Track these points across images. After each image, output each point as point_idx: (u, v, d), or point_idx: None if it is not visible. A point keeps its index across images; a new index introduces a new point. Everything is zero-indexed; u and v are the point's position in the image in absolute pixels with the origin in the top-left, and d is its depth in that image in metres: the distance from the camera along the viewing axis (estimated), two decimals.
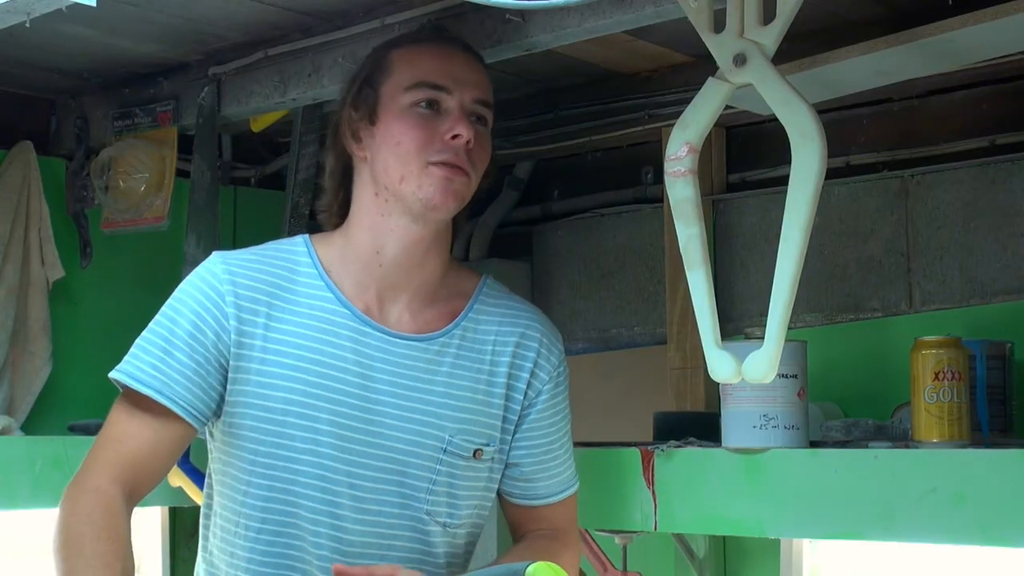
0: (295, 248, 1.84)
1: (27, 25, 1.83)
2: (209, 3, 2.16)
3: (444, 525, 1.80)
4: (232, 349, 1.75)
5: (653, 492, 2.02)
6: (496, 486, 1.88)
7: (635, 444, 2.09)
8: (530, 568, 1.55)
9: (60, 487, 2.32)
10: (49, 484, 2.32)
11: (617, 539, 2.22)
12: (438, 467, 1.79)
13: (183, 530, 2.87)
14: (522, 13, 1.99)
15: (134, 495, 1.75)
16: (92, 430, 2.51)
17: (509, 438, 1.86)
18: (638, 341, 2.75)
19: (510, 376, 1.84)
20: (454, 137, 1.74)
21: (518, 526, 1.93)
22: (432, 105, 1.76)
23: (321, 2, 2.13)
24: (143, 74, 2.58)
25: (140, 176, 2.56)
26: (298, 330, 1.77)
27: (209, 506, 1.85)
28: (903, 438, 2.01)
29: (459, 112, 1.76)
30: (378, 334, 1.78)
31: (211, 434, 1.83)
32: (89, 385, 2.75)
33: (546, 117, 2.78)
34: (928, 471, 1.78)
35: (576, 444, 2.15)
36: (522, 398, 1.85)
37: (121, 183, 2.58)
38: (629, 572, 2.26)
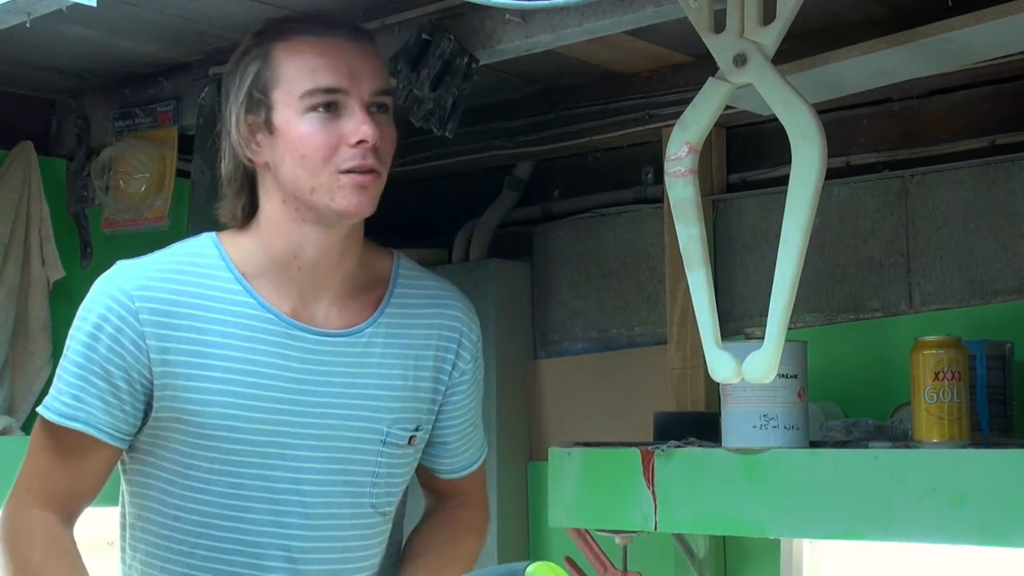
0: (205, 251, 1.75)
1: (27, 25, 1.84)
2: (209, 3, 2.16)
3: (385, 514, 1.79)
4: (154, 368, 1.68)
5: (653, 492, 2.02)
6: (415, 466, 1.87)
7: (635, 444, 2.09)
8: (530, 568, 1.56)
9: None
10: None
11: (617, 539, 2.22)
12: (379, 459, 1.76)
13: None
14: (522, 13, 1.99)
15: (71, 517, 1.72)
16: None
17: (433, 418, 1.84)
18: (638, 341, 2.75)
19: (436, 359, 1.82)
20: (360, 142, 1.67)
21: (436, 496, 1.92)
22: (331, 107, 1.68)
23: (321, 2, 2.13)
24: (143, 74, 2.58)
25: (140, 176, 2.56)
26: (223, 340, 1.70)
27: (124, 518, 1.79)
28: (903, 438, 2.01)
29: (361, 112, 1.68)
30: (307, 335, 1.73)
31: (136, 450, 1.75)
32: None
33: (546, 117, 2.78)
34: (928, 471, 1.78)
35: (576, 444, 2.16)
36: (447, 379, 1.83)
37: (121, 183, 2.58)
38: (629, 572, 2.26)
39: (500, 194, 2.95)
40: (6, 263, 2.64)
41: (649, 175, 2.74)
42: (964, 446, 1.86)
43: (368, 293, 1.80)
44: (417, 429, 1.80)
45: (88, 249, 2.75)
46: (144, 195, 2.56)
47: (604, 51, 2.45)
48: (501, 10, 1.96)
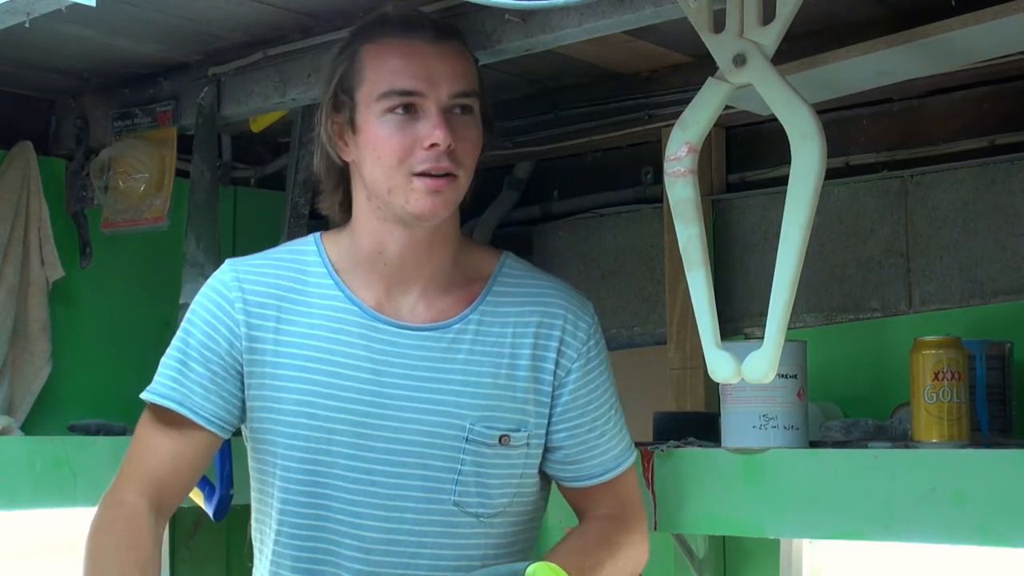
0: (306, 248, 1.84)
1: (27, 25, 1.84)
2: (209, 3, 2.16)
3: (477, 516, 1.77)
4: (245, 355, 1.77)
5: (653, 492, 2.02)
6: (535, 472, 1.82)
7: (635, 444, 2.09)
8: (530, 568, 1.56)
9: (60, 487, 2.31)
10: (49, 484, 2.32)
11: None
12: (462, 456, 1.75)
13: (183, 530, 2.87)
14: (522, 13, 1.99)
15: (163, 508, 1.76)
16: (92, 430, 2.52)
17: (545, 421, 1.80)
18: (638, 341, 2.75)
19: (534, 357, 1.79)
20: (432, 145, 1.70)
21: (578, 509, 1.88)
22: (409, 109, 1.71)
23: (321, 2, 2.13)
24: (143, 74, 2.58)
25: (140, 176, 2.56)
26: (309, 331, 1.77)
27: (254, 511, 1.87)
28: (903, 438, 2.01)
29: (436, 116, 1.70)
30: (389, 328, 1.77)
31: (246, 439, 1.84)
32: (89, 385, 2.75)
33: (546, 117, 2.77)
34: (928, 471, 1.78)
35: None
36: (552, 379, 1.80)
37: (121, 183, 2.58)
38: None
39: (500, 194, 2.95)
40: (5, 263, 2.64)
41: (649, 175, 2.75)
42: (964, 446, 1.86)
43: (464, 290, 1.81)
44: (516, 430, 1.77)
45: (87, 249, 2.75)
46: (143, 195, 2.56)
47: (604, 51, 2.45)
48: (501, 10, 1.96)
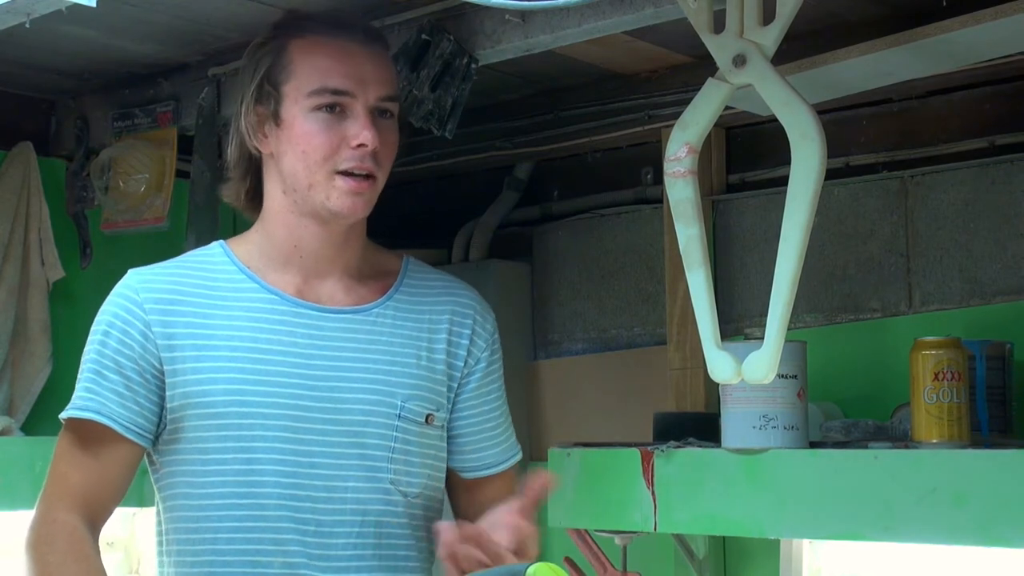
0: (211, 252, 1.85)
1: (27, 26, 1.84)
2: (209, 3, 2.16)
3: (406, 495, 1.79)
4: (162, 353, 1.75)
5: (653, 492, 2.02)
6: (444, 457, 1.86)
7: (635, 444, 2.09)
8: (530, 569, 1.56)
9: None
10: None
11: (617, 539, 2.22)
12: (395, 434, 1.78)
13: None
14: (522, 13, 1.99)
15: (95, 521, 1.75)
16: None
17: (451, 407, 1.86)
18: (638, 342, 2.75)
19: (449, 343, 1.85)
20: (360, 145, 1.73)
21: (467, 501, 1.91)
22: (335, 108, 1.74)
23: (321, 3, 2.13)
24: (143, 75, 2.58)
25: (140, 177, 2.56)
26: (229, 322, 1.76)
27: (160, 529, 1.82)
28: (903, 438, 2.01)
29: (365, 117, 1.74)
30: (312, 312, 1.79)
31: (153, 454, 1.80)
32: None
33: (546, 117, 2.78)
34: (928, 471, 1.78)
35: (576, 444, 2.15)
36: (463, 365, 1.86)
37: (121, 184, 2.58)
38: (629, 572, 2.26)
39: (500, 194, 2.95)
40: (6, 263, 2.64)
41: (649, 175, 2.75)
42: (964, 446, 1.86)
43: (376, 281, 1.85)
44: (436, 411, 1.82)
45: (88, 249, 2.75)
46: (143, 195, 2.56)
47: (604, 51, 2.45)
48: (501, 10, 1.96)
